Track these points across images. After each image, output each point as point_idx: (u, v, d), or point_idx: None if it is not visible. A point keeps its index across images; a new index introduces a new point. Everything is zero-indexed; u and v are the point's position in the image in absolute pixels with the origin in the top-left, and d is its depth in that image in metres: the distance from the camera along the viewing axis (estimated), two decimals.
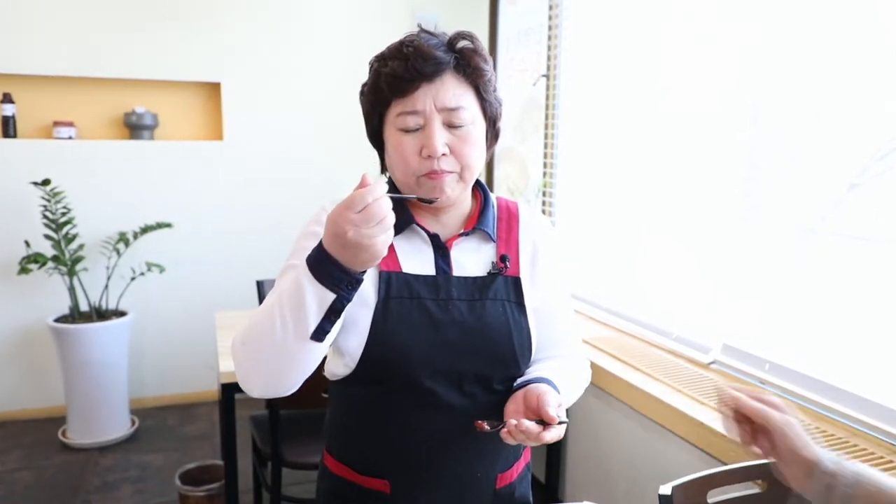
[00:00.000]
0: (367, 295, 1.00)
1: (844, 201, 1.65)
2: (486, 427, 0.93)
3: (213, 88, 3.58)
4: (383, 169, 1.09)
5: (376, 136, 1.05)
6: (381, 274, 1.00)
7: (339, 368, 1.06)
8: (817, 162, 1.71)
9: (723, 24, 2.01)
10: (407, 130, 0.97)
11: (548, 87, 3.06)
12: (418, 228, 1.05)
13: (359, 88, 1.06)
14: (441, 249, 1.04)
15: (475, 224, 1.06)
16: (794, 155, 1.79)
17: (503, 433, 0.92)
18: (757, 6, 1.87)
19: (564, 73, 2.98)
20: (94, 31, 3.28)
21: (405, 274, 1.01)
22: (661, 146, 2.32)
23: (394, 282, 1.00)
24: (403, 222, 1.03)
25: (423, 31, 1.01)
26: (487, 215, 1.08)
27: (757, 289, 1.90)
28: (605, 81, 2.69)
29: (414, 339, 0.98)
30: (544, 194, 3.09)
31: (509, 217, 1.11)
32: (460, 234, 1.06)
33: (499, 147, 3.63)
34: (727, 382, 1.82)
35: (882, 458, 1.38)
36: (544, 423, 0.90)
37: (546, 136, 3.08)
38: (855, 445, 1.44)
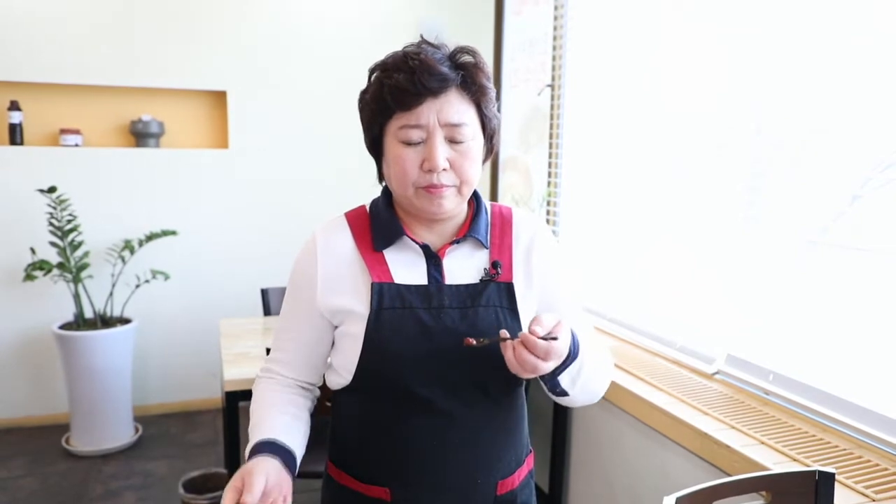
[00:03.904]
0: (359, 307, 1.02)
1: (847, 213, 1.65)
2: (473, 342, 0.93)
3: (219, 97, 3.61)
4: (380, 178, 1.10)
5: (375, 146, 1.06)
6: (373, 285, 1.02)
7: (337, 379, 1.08)
8: (820, 174, 1.72)
9: (727, 36, 2.02)
10: (409, 143, 0.98)
11: (552, 97, 3.07)
12: (409, 240, 1.05)
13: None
14: (433, 259, 1.06)
15: (467, 231, 1.07)
16: (796, 167, 1.79)
17: (504, 349, 0.93)
18: (761, 19, 1.88)
19: (569, 82, 2.99)
20: (100, 39, 3.30)
21: (397, 285, 1.03)
22: (665, 157, 2.33)
23: (386, 293, 1.02)
24: (394, 234, 1.05)
25: (425, 42, 1.01)
26: (479, 222, 1.09)
27: (761, 299, 1.89)
28: (609, 91, 2.69)
29: (407, 348, 1.00)
30: (548, 203, 3.09)
31: (503, 223, 1.12)
32: (452, 242, 1.06)
33: (503, 156, 3.64)
34: (731, 393, 1.82)
35: (886, 469, 1.38)
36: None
37: (550, 146, 3.09)
38: (860, 457, 1.43)
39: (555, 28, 3.04)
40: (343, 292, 1.04)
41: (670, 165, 2.30)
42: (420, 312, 1.01)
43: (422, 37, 1.04)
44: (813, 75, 1.73)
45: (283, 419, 1.05)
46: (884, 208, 1.55)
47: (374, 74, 1.02)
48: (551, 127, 3.08)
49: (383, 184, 1.10)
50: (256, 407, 1.09)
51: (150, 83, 3.42)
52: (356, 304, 1.03)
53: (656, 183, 2.37)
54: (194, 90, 3.56)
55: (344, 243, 1.07)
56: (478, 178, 1.04)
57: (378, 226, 1.07)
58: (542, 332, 0.90)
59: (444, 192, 0.99)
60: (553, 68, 3.06)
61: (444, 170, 0.98)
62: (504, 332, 0.94)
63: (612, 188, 2.67)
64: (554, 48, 3.05)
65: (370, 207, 1.11)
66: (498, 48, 3.71)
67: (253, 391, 1.13)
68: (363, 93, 1.05)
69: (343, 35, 3.66)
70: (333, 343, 1.09)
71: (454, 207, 1.03)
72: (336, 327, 1.07)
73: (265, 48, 3.55)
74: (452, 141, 0.99)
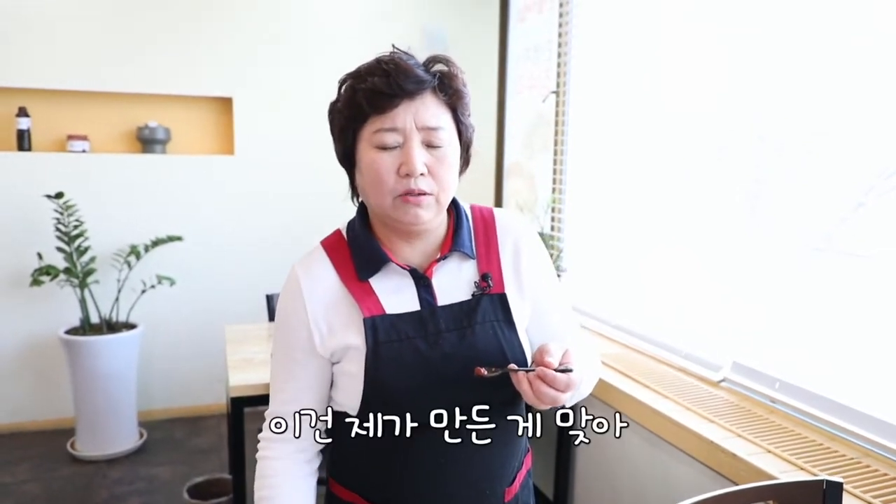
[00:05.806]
0: (356, 341, 0.99)
1: (851, 220, 1.64)
2: (485, 372, 0.92)
3: (225, 103, 3.62)
4: (353, 192, 1.07)
5: (348, 157, 1.02)
6: (365, 321, 0.98)
7: (338, 409, 1.06)
8: (824, 181, 1.71)
9: (730, 44, 2.02)
10: (384, 148, 0.94)
11: (557, 104, 3.07)
12: (395, 265, 1.02)
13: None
14: (422, 280, 1.02)
15: (451, 247, 1.04)
16: (800, 174, 1.79)
17: (518, 381, 0.92)
18: (764, 27, 1.88)
19: (573, 89, 2.99)
20: (108, 46, 3.33)
21: (390, 316, 0.99)
22: (669, 164, 2.33)
23: (379, 326, 0.98)
24: (377, 261, 1.01)
25: (398, 50, 0.99)
26: (462, 233, 1.05)
27: (766, 307, 1.89)
28: (613, 98, 2.70)
29: (408, 381, 0.97)
30: (553, 210, 3.09)
31: (486, 228, 1.09)
32: (438, 260, 1.03)
33: (507, 162, 3.64)
34: (737, 401, 1.81)
35: (895, 479, 1.37)
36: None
37: (555, 153, 3.10)
38: (868, 466, 1.42)
39: (559, 35, 3.04)
40: (336, 331, 1.01)
41: (675, 172, 2.30)
42: (417, 342, 0.98)
43: (394, 46, 1.01)
44: (816, 82, 1.73)
45: None
46: (888, 215, 1.55)
47: (346, 83, 0.99)
48: (556, 134, 3.09)
49: (357, 201, 1.07)
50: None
51: (157, 90, 3.44)
52: (352, 339, 0.99)
53: (661, 190, 2.37)
54: (200, 96, 3.57)
55: (327, 278, 1.02)
56: (455, 187, 1.01)
57: (359, 253, 1.03)
58: (555, 364, 0.89)
59: (422, 202, 0.95)
60: (558, 75, 3.06)
61: (422, 175, 0.94)
62: (513, 365, 0.93)
63: (617, 195, 2.67)
64: (559, 55, 3.05)
65: (346, 232, 1.07)
66: (502, 55, 3.72)
67: (258, 465, 1.09)
68: (334, 103, 1.01)
69: (348, 42, 3.67)
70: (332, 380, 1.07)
71: (433, 218, 0.99)
72: (334, 363, 1.04)
73: (271, 55, 3.57)
74: (429, 146, 0.95)
